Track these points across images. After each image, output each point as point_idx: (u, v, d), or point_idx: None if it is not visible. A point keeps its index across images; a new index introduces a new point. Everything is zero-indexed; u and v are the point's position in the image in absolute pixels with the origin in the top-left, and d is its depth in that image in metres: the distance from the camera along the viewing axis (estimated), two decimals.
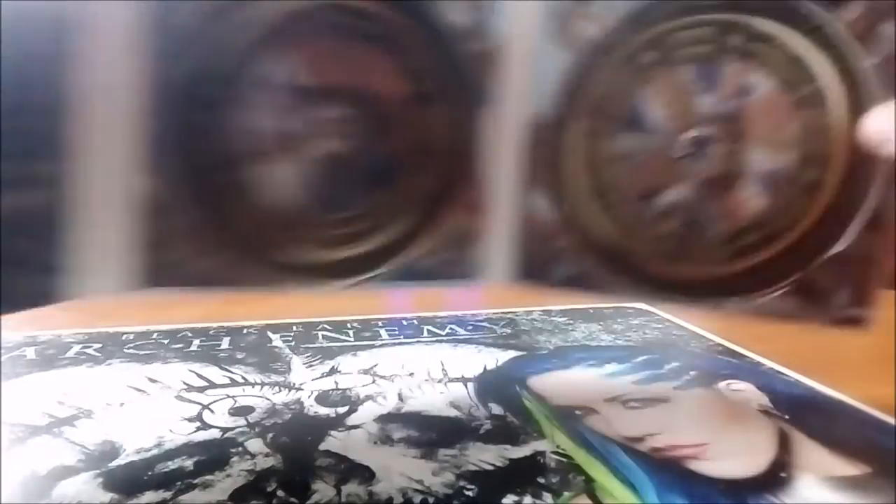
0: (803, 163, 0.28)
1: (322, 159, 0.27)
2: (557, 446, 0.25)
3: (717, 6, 0.27)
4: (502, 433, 0.26)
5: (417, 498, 0.22)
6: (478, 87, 0.28)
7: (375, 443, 0.25)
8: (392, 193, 0.28)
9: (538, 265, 0.29)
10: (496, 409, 0.28)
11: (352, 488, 0.22)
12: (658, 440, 0.25)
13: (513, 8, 0.28)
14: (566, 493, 0.22)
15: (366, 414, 0.27)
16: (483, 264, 0.29)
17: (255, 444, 0.25)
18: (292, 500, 0.21)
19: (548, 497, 0.22)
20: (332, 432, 0.26)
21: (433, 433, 0.26)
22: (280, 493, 0.22)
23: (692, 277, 0.29)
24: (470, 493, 0.22)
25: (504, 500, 0.21)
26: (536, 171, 0.29)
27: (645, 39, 0.28)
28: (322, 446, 0.25)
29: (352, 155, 0.27)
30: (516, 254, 0.29)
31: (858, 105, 0.26)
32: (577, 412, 0.28)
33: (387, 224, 0.28)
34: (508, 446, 0.25)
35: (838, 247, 0.27)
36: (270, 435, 0.25)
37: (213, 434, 0.25)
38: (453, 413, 0.27)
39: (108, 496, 0.21)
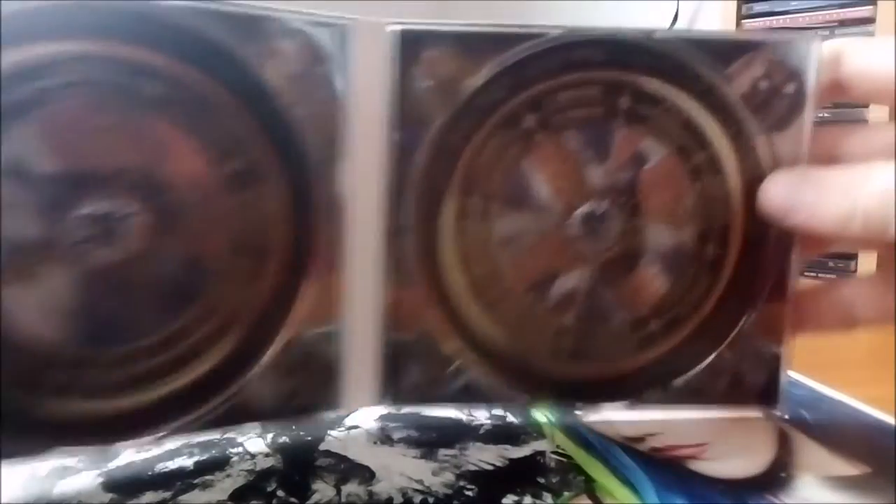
0: (703, 237, 0.25)
1: (97, 272, 0.21)
2: (557, 446, 0.25)
3: (601, 63, 0.24)
4: (502, 433, 0.26)
5: (417, 498, 0.21)
6: (309, 161, 0.23)
7: (375, 443, 0.25)
8: (202, 308, 0.22)
9: (419, 379, 0.25)
10: (496, 409, 0.28)
11: (352, 488, 0.22)
12: (658, 440, 0.25)
13: (355, 58, 0.23)
14: (566, 493, 0.22)
15: (366, 414, 0.27)
16: (345, 386, 0.24)
17: (255, 444, 0.25)
18: (292, 500, 0.21)
19: (548, 497, 0.22)
20: (332, 432, 0.26)
21: (433, 433, 0.26)
22: (280, 493, 0.22)
23: (596, 375, 0.26)
24: (470, 493, 0.22)
25: (504, 500, 0.21)
26: (402, 265, 0.24)
27: (524, 100, 0.24)
28: (322, 446, 0.25)
29: (140, 263, 0.21)
30: (387, 369, 0.25)
31: (753, 172, 0.25)
32: (577, 412, 0.28)
33: (200, 351, 0.23)
34: (508, 446, 0.25)
35: (745, 323, 0.26)
36: (270, 435, 0.25)
37: (214, 434, 0.25)
38: (453, 413, 0.27)
39: (108, 496, 0.21)
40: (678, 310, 0.26)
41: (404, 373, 0.25)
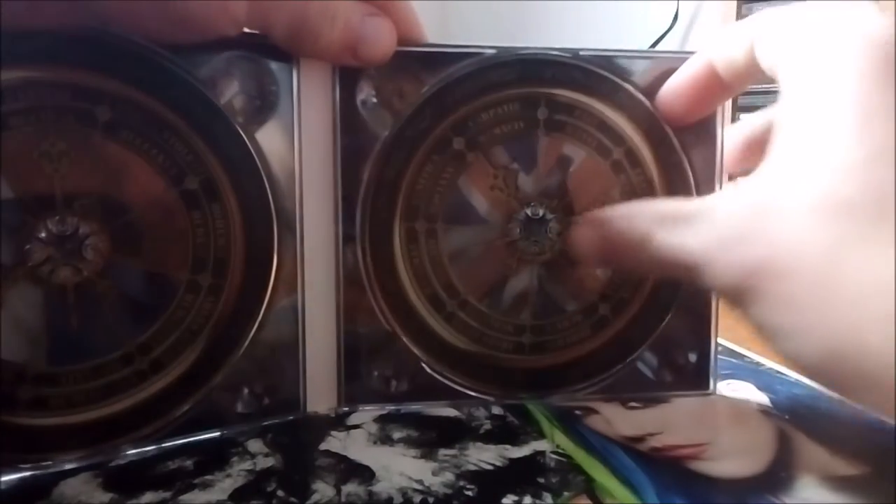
0: None
1: (60, 292, 0.22)
2: (557, 446, 0.25)
3: (512, 82, 0.26)
4: (502, 433, 0.26)
5: (417, 498, 0.21)
6: (261, 178, 0.24)
7: (375, 443, 0.25)
8: (164, 323, 0.23)
9: (379, 380, 0.27)
10: (496, 409, 0.28)
11: (352, 488, 0.22)
12: (658, 440, 0.25)
13: (306, 79, 0.25)
14: (566, 493, 0.22)
15: (366, 414, 0.27)
16: (305, 391, 0.26)
17: (255, 445, 0.25)
18: (292, 500, 0.21)
19: (548, 497, 0.22)
20: (332, 432, 0.26)
21: (433, 433, 0.26)
22: (280, 493, 0.22)
23: (557, 363, 0.28)
24: (470, 493, 0.22)
25: (504, 500, 0.21)
26: (358, 273, 0.26)
27: (450, 124, 0.26)
28: (322, 446, 0.25)
29: (100, 282, 0.22)
30: (347, 372, 0.26)
31: (668, 160, 0.27)
32: (577, 412, 0.28)
33: (163, 364, 0.23)
34: (508, 446, 0.25)
35: (679, 304, 0.28)
36: (270, 435, 0.25)
37: (213, 434, 0.25)
38: (453, 413, 0.27)
39: (108, 496, 0.21)
40: (622, 292, 0.28)
41: (364, 374, 0.27)
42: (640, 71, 0.27)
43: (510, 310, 0.28)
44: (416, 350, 0.27)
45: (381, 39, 0.24)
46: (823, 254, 0.18)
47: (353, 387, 0.27)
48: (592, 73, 0.27)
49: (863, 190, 0.18)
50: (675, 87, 0.27)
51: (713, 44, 0.25)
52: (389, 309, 0.27)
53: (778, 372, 0.33)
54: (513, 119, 0.27)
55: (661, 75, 0.27)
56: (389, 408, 0.27)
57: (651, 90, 0.27)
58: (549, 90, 0.27)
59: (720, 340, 0.33)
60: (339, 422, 0.26)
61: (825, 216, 0.18)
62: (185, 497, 0.21)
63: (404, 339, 0.27)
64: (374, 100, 0.26)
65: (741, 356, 0.35)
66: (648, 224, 0.23)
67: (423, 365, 0.27)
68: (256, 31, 0.23)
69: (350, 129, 0.26)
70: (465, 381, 0.27)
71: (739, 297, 0.20)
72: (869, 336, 0.17)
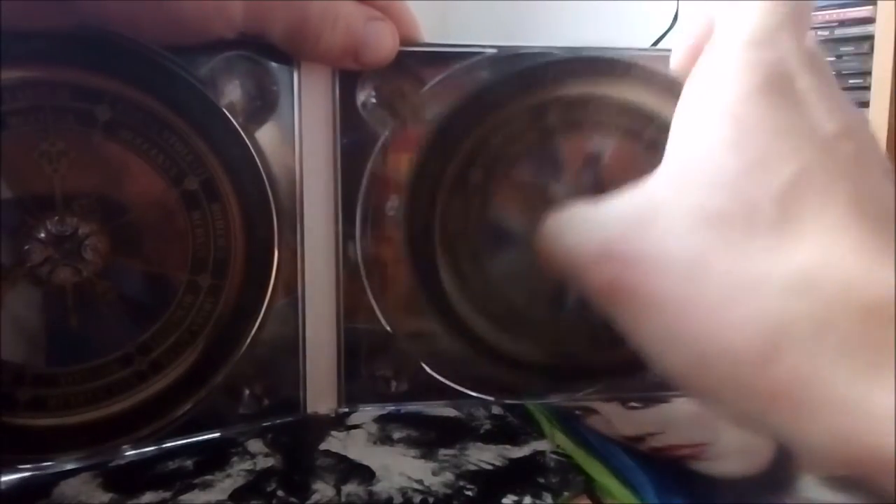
0: None
1: (59, 293, 0.22)
2: (557, 446, 0.25)
3: (515, 94, 0.25)
4: (502, 433, 0.26)
5: (417, 498, 0.21)
6: (262, 178, 0.24)
7: (375, 443, 0.25)
8: (164, 323, 0.23)
9: (379, 380, 0.27)
10: (496, 409, 0.28)
11: (352, 488, 0.22)
12: (658, 440, 0.25)
13: (306, 79, 0.24)
14: (566, 493, 0.22)
15: (366, 414, 0.27)
16: (305, 392, 0.26)
17: (255, 445, 0.25)
18: (292, 500, 0.21)
19: (548, 497, 0.22)
20: (332, 432, 0.26)
21: (433, 433, 0.26)
22: (280, 493, 0.22)
23: (618, 361, 0.26)
24: (470, 493, 0.22)
25: (504, 500, 0.21)
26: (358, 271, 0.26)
27: (463, 161, 0.25)
28: (322, 446, 0.25)
29: (100, 282, 0.22)
30: (347, 372, 0.26)
31: None
32: (577, 412, 0.28)
33: (163, 365, 0.23)
34: (508, 446, 0.25)
35: None
36: (270, 435, 0.25)
37: (213, 434, 0.25)
38: (453, 413, 0.27)
39: (108, 496, 0.21)
40: None
41: (364, 374, 0.27)
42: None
43: (576, 316, 0.26)
44: (445, 341, 0.26)
45: (383, 43, 0.24)
46: (692, 259, 0.19)
47: (353, 387, 0.27)
48: (598, 61, 0.25)
49: (733, 201, 0.19)
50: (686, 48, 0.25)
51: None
52: (424, 294, 0.26)
53: None
54: (525, 132, 0.26)
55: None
56: (389, 408, 0.27)
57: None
58: (554, 92, 0.25)
59: None
60: (339, 422, 0.26)
61: (697, 224, 0.19)
62: (185, 497, 0.21)
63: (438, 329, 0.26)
64: (374, 100, 0.26)
65: None
66: (560, 228, 0.23)
67: (423, 365, 0.27)
68: (254, 33, 0.23)
69: (350, 129, 0.25)
70: (494, 375, 0.26)
71: (614, 298, 0.20)
72: (735, 339, 0.17)
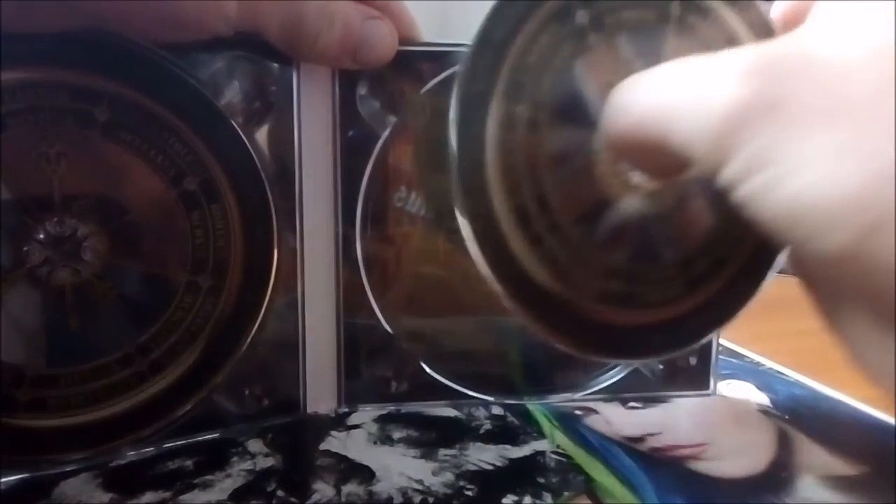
0: None
1: (59, 293, 0.22)
2: (557, 446, 0.25)
3: None
4: (502, 433, 0.26)
5: (417, 498, 0.21)
6: (261, 179, 0.24)
7: (375, 443, 0.25)
8: (164, 324, 0.23)
9: (377, 380, 0.27)
10: (496, 409, 0.28)
11: (352, 488, 0.22)
12: (658, 440, 0.25)
13: (306, 79, 0.24)
14: (566, 493, 0.22)
15: (366, 414, 0.27)
16: (305, 392, 0.26)
17: (255, 445, 0.25)
18: (292, 500, 0.21)
19: (548, 497, 0.22)
20: (332, 432, 0.26)
21: (433, 433, 0.26)
22: (280, 493, 0.22)
23: (641, 323, 0.23)
24: (470, 493, 0.22)
25: (504, 500, 0.21)
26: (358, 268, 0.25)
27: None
28: (322, 446, 0.25)
29: (100, 283, 0.22)
30: (346, 371, 0.26)
31: None
32: (577, 412, 0.28)
33: (163, 365, 0.23)
34: (508, 446, 0.25)
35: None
36: (270, 435, 0.25)
37: (213, 434, 0.25)
38: (453, 413, 0.27)
39: (108, 496, 0.21)
40: (723, 249, 0.23)
41: (364, 374, 0.27)
42: None
43: (604, 246, 0.23)
44: (494, 283, 0.22)
45: (382, 42, 0.24)
46: (886, 70, 0.16)
47: (353, 387, 0.27)
48: None
49: None
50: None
51: None
52: (470, 219, 0.21)
53: (778, 372, 0.33)
54: (644, 5, 0.22)
55: None
56: (389, 408, 0.27)
57: None
58: None
59: (720, 340, 0.33)
60: (339, 422, 0.26)
61: (879, 56, 0.16)
62: (185, 497, 0.21)
63: (486, 267, 0.21)
64: (374, 100, 0.25)
65: (741, 356, 0.35)
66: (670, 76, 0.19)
67: (423, 365, 0.27)
68: (250, 32, 0.23)
69: (350, 129, 0.25)
70: (543, 328, 0.22)
71: (759, 114, 0.16)
72: None
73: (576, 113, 0.22)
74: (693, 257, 0.23)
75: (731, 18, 0.23)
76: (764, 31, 0.23)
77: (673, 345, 0.24)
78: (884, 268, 0.15)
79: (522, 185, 0.22)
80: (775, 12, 0.23)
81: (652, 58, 0.21)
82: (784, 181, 0.16)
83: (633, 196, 0.23)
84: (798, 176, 0.16)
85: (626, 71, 0.21)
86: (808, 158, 0.16)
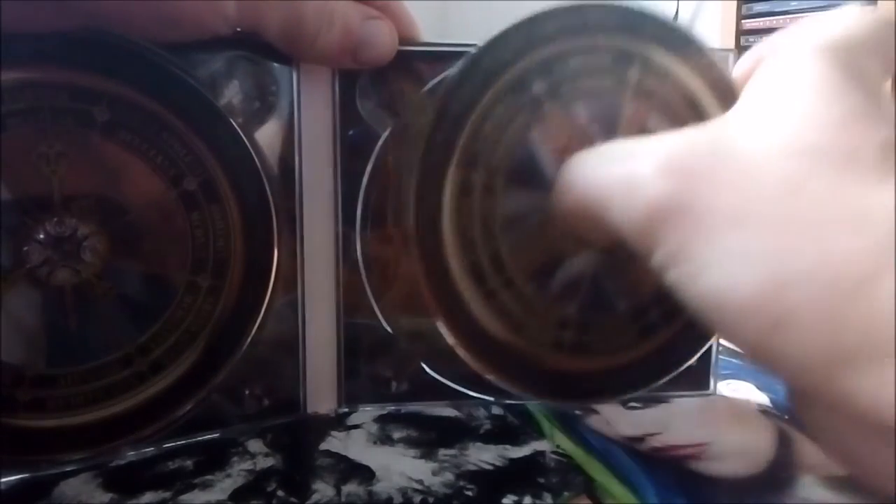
0: None
1: (59, 294, 0.22)
2: (557, 446, 0.25)
3: (610, 29, 0.23)
4: (502, 433, 0.26)
5: (417, 498, 0.21)
6: (261, 178, 0.24)
7: (375, 443, 0.25)
8: (164, 324, 0.23)
9: (378, 380, 0.27)
10: (496, 409, 0.28)
11: (352, 488, 0.22)
12: (658, 440, 0.25)
13: (306, 79, 0.24)
14: (566, 493, 0.22)
15: (366, 414, 0.27)
16: (306, 392, 0.26)
17: (255, 445, 0.25)
18: (292, 500, 0.21)
19: (548, 497, 0.22)
20: (332, 432, 0.26)
21: (433, 433, 0.26)
22: (280, 493, 0.22)
23: (595, 369, 0.25)
24: (470, 493, 0.22)
25: (504, 500, 0.21)
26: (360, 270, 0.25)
27: (535, 63, 0.23)
28: (322, 446, 0.25)
29: (100, 283, 0.22)
30: (347, 371, 0.26)
31: None
32: (577, 412, 0.28)
33: (163, 365, 0.23)
34: (508, 446, 0.25)
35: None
36: (270, 435, 0.25)
37: (213, 434, 0.25)
38: (453, 413, 0.27)
39: (108, 496, 0.21)
40: (675, 298, 0.24)
41: (364, 374, 0.27)
42: None
43: (558, 299, 0.24)
44: (449, 335, 0.23)
45: (381, 42, 0.24)
46: (784, 178, 0.17)
47: (353, 387, 0.27)
48: (691, 40, 0.23)
49: (833, 141, 0.17)
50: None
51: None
52: (424, 275, 0.23)
53: None
54: (601, 73, 0.23)
55: None
56: (389, 408, 0.27)
57: None
58: (646, 46, 0.23)
59: (720, 340, 0.33)
60: (339, 422, 0.26)
61: (790, 152, 0.17)
62: (185, 497, 0.21)
63: (438, 317, 0.23)
64: (374, 99, 0.26)
65: (741, 356, 0.35)
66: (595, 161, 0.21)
67: (423, 365, 0.27)
68: (249, 31, 0.23)
69: (350, 128, 0.25)
70: (498, 377, 0.24)
71: (670, 215, 0.18)
72: (834, 259, 0.16)
73: (530, 177, 0.23)
74: (645, 307, 0.25)
75: (691, 79, 0.24)
76: (724, 90, 0.23)
77: (627, 389, 0.26)
78: (790, 361, 0.17)
79: (477, 245, 0.23)
80: (736, 71, 0.24)
81: (608, 122, 0.23)
82: (696, 278, 0.18)
83: (586, 252, 0.24)
84: (707, 276, 0.18)
85: (582, 136, 0.22)
86: (714, 260, 0.17)
